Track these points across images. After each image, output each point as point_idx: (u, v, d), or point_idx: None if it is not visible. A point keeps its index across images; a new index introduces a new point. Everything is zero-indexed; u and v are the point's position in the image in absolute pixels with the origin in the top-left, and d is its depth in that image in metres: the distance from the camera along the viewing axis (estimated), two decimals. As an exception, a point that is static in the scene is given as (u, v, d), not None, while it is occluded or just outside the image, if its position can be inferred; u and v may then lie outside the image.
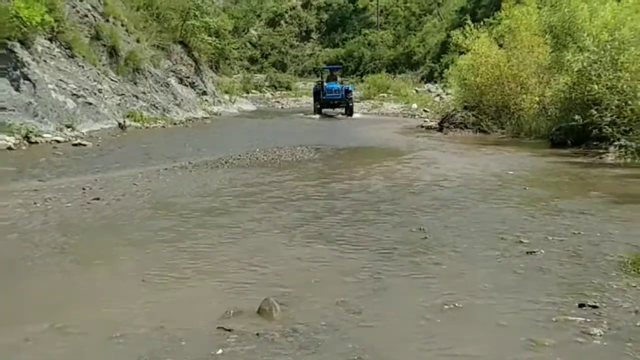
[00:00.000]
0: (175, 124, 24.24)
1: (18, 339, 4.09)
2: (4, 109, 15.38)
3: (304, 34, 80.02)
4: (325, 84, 33.73)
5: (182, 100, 28.67)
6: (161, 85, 27.22)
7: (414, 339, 4.23)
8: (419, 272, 5.69)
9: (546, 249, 6.31)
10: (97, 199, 8.81)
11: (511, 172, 11.97)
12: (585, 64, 15.87)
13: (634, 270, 5.56)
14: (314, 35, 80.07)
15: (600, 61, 15.55)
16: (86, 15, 22.89)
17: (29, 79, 16.85)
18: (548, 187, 10.53)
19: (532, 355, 3.95)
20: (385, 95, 43.49)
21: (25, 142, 14.91)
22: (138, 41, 27.14)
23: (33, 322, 4.36)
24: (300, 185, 10.46)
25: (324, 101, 33.01)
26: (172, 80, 29.32)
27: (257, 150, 15.26)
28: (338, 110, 33.10)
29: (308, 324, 4.40)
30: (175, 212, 8.18)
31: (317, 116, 32.38)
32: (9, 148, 14.05)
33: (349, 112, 32.36)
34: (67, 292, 5.10)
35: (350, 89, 33.81)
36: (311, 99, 37.98)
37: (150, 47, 28.09)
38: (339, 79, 35.66)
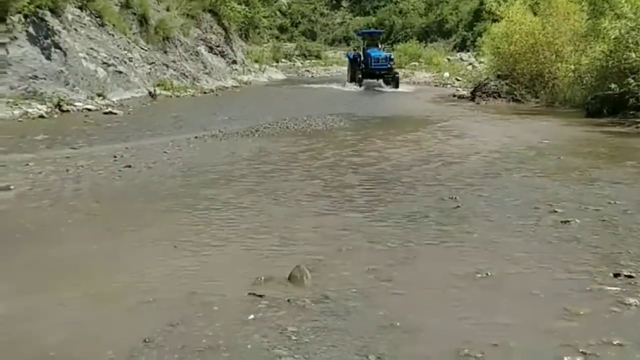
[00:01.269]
0: (205, 92, 24.27)
1: (52, 303, 4.12)
2: (35, 77, 15.49)
3: (334, 2, 79.48)
4: (368, 51, 30.27)
5: (211, 69, 28.67)
6: (191, 54, 27.22)
7: (445, 307, 4.20)
8: (450, 240, 5.63)
9: (581, 218, 6.21)
10: (129, 166, 8.86)
11: (546, 141, 11.81)
12: (622, 31, 15.55)
13: (671, 240, 5.45)
14: (345, 4, 79.47)
15: (638, 28, 15.18)
16: (117, -17, 22.90)
17: (59, 48, 16.93)
18: (583, 156, 10.35)
19: (566, 324, 3.89)
20: (416, 64, 43.08)
21: (57, 110, 15.02)
22: (168, 9, 27.12)
23: (66, 287, 4.40)
24: (330, 154, 10.42)
25: (368, 71, 29.34)
26: (202, 49, 29.29)
27: (287, 119, 15.22)
28: (376, 82, 29.50)
29: (339, 291, 4.38)
30: (205, 180, 8.19)
31: (357, 87, 29.01)
32: (41, 116, 14.17)
33: (395, 84, 28.98)
34: (99, 258, 5.13)
35: (392, 57, 30.91)
36: (342, 68, 37.60)
37: (180, 15, 28.05)
38: (380, 45, 32.54)
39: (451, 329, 3.87)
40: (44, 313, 4.00)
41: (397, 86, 28.84)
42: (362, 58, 30.12)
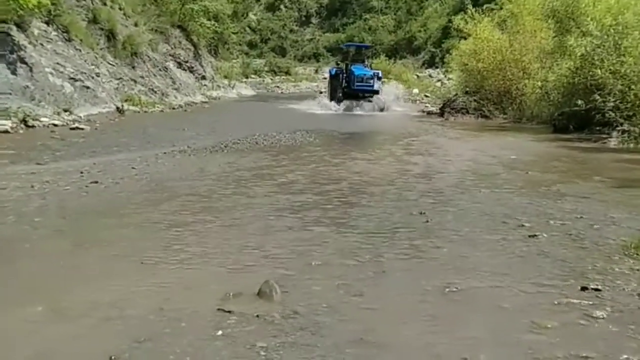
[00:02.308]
0: (173, 108, 24.15)
1: (15, 320, 4.04)
2: (1, 93, 15.28)
3: (303, 18, 79.83)
4: (352, 67, 26.43)
5: (180, 84, 28.55)
6: (159, 70, 27.08)
7: (415, 321, 4.19)
8: (420, 255, 5.64)
9: (548, 232, 6.27)
10: (96, 182, 8.75)
11: (513, 157, 11.93)
12: (588, 48, 15.83)
13: (637, 254, 5.52)
14: (314, 20, 79.88)
15: (604, 46, 15.50)
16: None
17: (25, 63, 16.72)
18: (550, 171, 10.48)
19: (535, 338, 3.90)
20: (385, 80, 43.31)
21: (22, 125, 14.82)
22: (136, 25, 26.98)
23: (31, 304, 4.30)
24: (300, 169, 10.40)
25: (350, 91, 25.71)
26: (171, 65, 29.17)
27: (257, 134, 15.19)
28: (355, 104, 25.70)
29: (308, 306, 4.34)
30: (173, 195, 8.12)
31: (337, 106, 25.62)
32: (6, 131, 13.95)
33: (382, 107, 25.59)
34: (65, 274, 5.04)
35: (380, 75, 27.19)
36: (312, 84, 37.22)
37: (148, 31, 27.91)
38: (366, 62, 28.31)
39: (421, 343, 3.86)
40: (8, 330, 3.91)
41: (382, 109, 25.43)
42: (344, 75, 26.49)
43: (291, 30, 78.69)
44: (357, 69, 26.03)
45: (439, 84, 36.27)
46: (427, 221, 6.78)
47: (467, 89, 23.38)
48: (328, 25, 77.76)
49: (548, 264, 5.35)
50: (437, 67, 46.55)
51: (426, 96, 31.79)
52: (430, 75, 43.71)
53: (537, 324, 4.10)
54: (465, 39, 24.68)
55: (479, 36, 22.74)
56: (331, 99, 26.68)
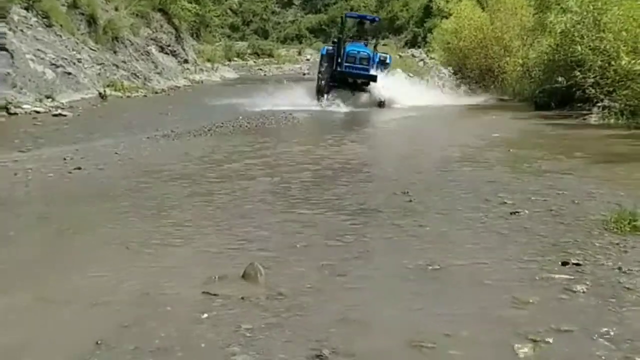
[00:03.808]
0: (156, 92, 24.02)
1: (1, 308, 4.05)
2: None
3: (285, 0, 79.26)
4: (347, 45, 19.74)
5: (163, 68, 28.39)
6: (141, 54, 26.91)
7: (398, 299, 4.25)
8: (403, 234, 5.69)
9: (530, 209, 6.34)
10: (79, 168, 8.73)
11: (495, 135, 12.00)
12: (568, 25, 15.86)
13: (617, 229, 5.59)
14: (296, 2, 79.34)
15: (583, 22, 15.52)
16: (64, -17, 22.49)
17: (6, 49, 16.56)
18: (532, 148, 10.56)
19: (516, 313, 3.97)
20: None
21: (4, 113, 14.71)
22: (117, 9, 26.75)
23: (16, 291, 4.33)
24: (283, 151, 10.42)
25: (338, 74, 19.13)
26: (153, 49, 28.97)
27: (240, 117, 15.17)
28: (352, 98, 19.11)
29: (293, 287, 4.39)
30: (157, 180, 8.12)
31: (318, 104, 18.83)
32: (-12, 119, 13.88)
33: (381, 100, 18.90)
34: (49, 261, 5.06)
35: (388, 60, 20.25)
36: (295, 66, 35.53)
37: (129, 15, 27.70)
38: (371, 40, 21.39)
39: (404, 320, 3.92)
40: (-7, 318, 3.93)
41: (382, 104, 18.91)
42: (337, 56, 19.53)
43: (273, 12, 78.18)
44: (352, 46, 19.48)
45: (421, 63, 36.18)
46: (410, 200, 6.83)
47: (450, 68, 23.41)
48: (310, 6, 77.32)
49: (529, 240, 5.42)
50: (419, 47, 46.43)
51: (409, 76, 31.74)
52: (413, 55, 43.53)
53: (518, 299, 4.16)
54: (446, 18, 24.68)
55: (460, 15, 22.75)
56: (318, 92, 19.45)
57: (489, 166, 8.85)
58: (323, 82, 19.26)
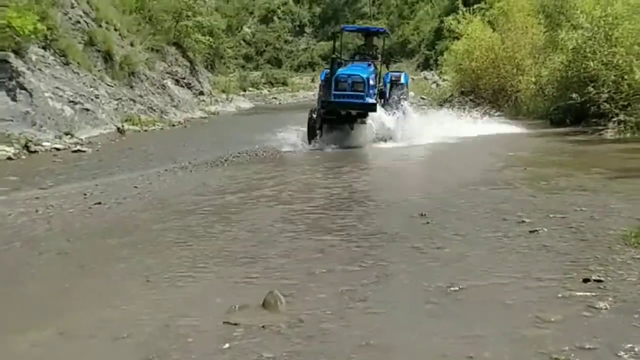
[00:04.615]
0: (173, 125, 24.24)
1: (24, 345, 4.08)
2: (2, 119, 15.38)
3: (297, 28, 79.81)
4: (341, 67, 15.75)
5: (179, 101, 28.66)
6: (157, 88, 27.20)
7: (420, 322, 4.24)
8: (422, 256, 5.68)
9: (549, 226, 6.31)
10: (99, 203, 8.81)
11: (511, 153, 11.97)
12: (579, 41, 15.88)
13: (638, 243, 5.55)
14: (308, 30, 79.89)
15: (595, 37, 15.54)
16: (79, 22, 22.85)
17: (25, 89, 16.82)
18: (548, 166, 10.52)
19: (539, 332, 3.94)
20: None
21: (24, 151, 14.90)
22: (132, 45, 27.11)
23: (38, 327, 4.36)
24: (299, 180, 10.47)
25: (326, 106, 14.86)
26: (168, 82, 29.29)
27: (257, 147, 15.24)
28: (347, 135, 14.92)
29: (313, 313, 4.39)
30: (176, 212, 8.18)
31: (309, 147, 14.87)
32: (9, 158, 14.04)
33: (388, 136, 15.15)
34: (71, 296, 5.10)
35: (403, 80, 16.32)
36: (309, 93, 34.82)
37: (145, 50, 28.06)
38: (380, 59, 16.77)
39: (426, 344, 3.90)
40: (17, 355, 3.96)
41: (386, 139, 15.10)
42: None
43: (286, 41, 78.71)
44: (344, 69, 15.47)
45: (434, 85, 36.27)
46: (428, 222, 6.83)
47: (463, 89, 23.49)
48: (322, 33, 77.71)
49: (549, 258, 5.39)
50: (431, 69, 46.54)
51: (422, 99, 31.80)
52: (425, 78, 43.71)
53: (540, 318, 4.13)
54: (457, 39, 24.76)
55: (471, 36, 22.82)
56: (310, 134, 15.20)
57: (505, 185, 8.82)
58: (314, 117, 15.06)
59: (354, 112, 14.64)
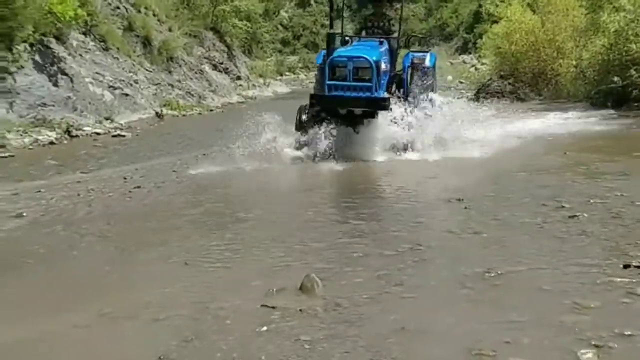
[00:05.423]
0: (211, 110, 24.36)
1: (66, 325, 4.17)
2: (44, 104, 15.61)
3: (334, 13, 79.51)
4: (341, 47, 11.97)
5: (216, 86, 28.79)
6: (195, 73, 27.34)
7: (456, 307, 4.23)
8: (459, 241, 5.67)
9: (589, 212, 6.24)
10: (138, 187, 8.92)
11: (550, 138, 11.81)
12: (622, 23, 15.56)
13: (680, 229, 5.46)
14: (345, 14, 79.46)
15: (638, 20, 15.20)
16: (118, 7, 23.05)
17: (66, 74, 17.06)
18: (589, 150, 10.35)
19: (578, 318, 3.91)
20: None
21: (66, 136, 15.12)
22: (170, 30, 27.27)
23: (80, 309, 4.45)
24: (337, 162, 10.43)
25: (319, 102, 10.98)
26: (206, 67, 29.42)
27: (293, 131, 15.24)
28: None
29: (350, 297, 4.41)
30: (214, 196, 8.25)
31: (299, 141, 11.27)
32: (51, 143, 14.26)
33: (404, 145, 10.75)
34: (111, 278, 5.19)
35: (429, 62, 12.03)
36: None
37: (183, 35, 28.19)
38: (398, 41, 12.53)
39: (463, 328, 3.90)
40: (58, 335, 4.05)
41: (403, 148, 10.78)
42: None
43: (322, 25, 78.53)
44: (346, 49, 11.82)
45: (473, 69, 35.82)
46: (466, 207, 6.80)
47: (502, 73, 23.12)
48: (359, 17, 77.55)
49: (589, 244, 5.34)
50: (470, 53, 46.01)
51: (460, 82, 31.46)
52: (464, 62, 43.18)
53: (579, 304, 4.10)
54: (497, 22, 24.42)
55: (511, 18, 22.48)
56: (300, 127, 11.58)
57: (544, 170, 8.72)
58: (302, 116, 11.42)
59: (357, 111, 10.56)
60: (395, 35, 12.52)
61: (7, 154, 12.25)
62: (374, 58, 10.65)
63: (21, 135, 13.89)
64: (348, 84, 10.52)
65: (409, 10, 68.43)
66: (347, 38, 13.05)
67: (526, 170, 8.81)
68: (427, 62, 11.99)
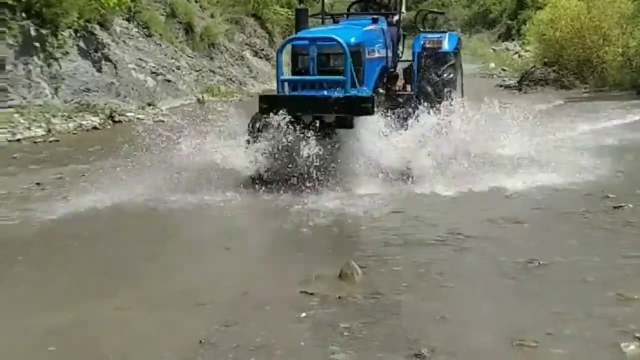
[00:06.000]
0: (251, 96, 24.42)
1: (109, 310, 4.22)
2: (88, 90, 15.83)
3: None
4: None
5: (257, 72, 28.87)
6: (236, 59, 27.45)
7: (497, 297, 4.21)
8: (500, 230, 5.62)
9: (634, 202, 6.12)
10: (178, 173, 8.95)
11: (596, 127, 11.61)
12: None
13: None
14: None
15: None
16: (161, -6, 23.27)
17: (110, 60, 17.28)
18: (635, 140, 10.13)
19: (621, 310, 3.85)
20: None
21: (109, 121, 15.32)
22: (212, 16, 27.40)
23: (122, 293, 4.51)
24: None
25: (273, 106, 7.39)
26: (247, 54, 29.51)
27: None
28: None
29: (390, 286, 4.41)
30: (255, 181, 8.24)
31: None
32: (95, 128, 14.46)
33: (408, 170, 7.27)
34: (155, 263, 5.24)
35: (448, 47, 8.85)
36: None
37: (224, 21, 28.29)
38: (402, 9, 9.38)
39: (504, 319, 3.88)
40: (102, 319, 4.11)
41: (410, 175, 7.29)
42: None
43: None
44: (317, 29, 9.03)
45: (516, 56, 35.27)
46: (507, 196, 6.72)
47: (545, 60, 22.72)
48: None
49: (634, 235, 5.26)
50: (513, 40, 45.32)
51: (503, 70, 31.02)
52: (507, 49, 42.51)
53: (623, 295, 4.05)
54: (541, 8, 24.03)
55: (556, 4, 22.08)
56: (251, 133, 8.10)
57: (590, 159, 8.54)
58: (258, 123, 8.07)
59: (328, 119, 7.33)
60: (397, 12, 9.34)
61: (52, 139, 12.44)
62: (353, 40, 7.58)
63: (65, 120, 14.10)
64: (311, 79, 7.54)
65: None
66: (330, 16, 10.12)
67: (570, 155, 8.52)
68: (445, 46, 8.91)
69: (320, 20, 9.92)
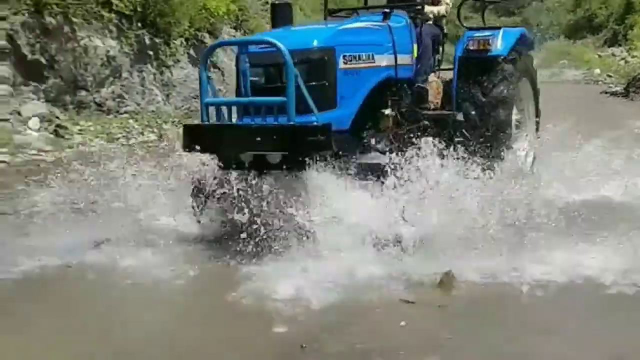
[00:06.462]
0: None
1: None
2: (197, 97, 16.39)
3: (477, 4, 77.80)
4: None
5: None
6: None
7: (603, 312, 4.19)
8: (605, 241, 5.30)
9: None
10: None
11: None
12: None
13: None
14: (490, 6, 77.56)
15: None
16: (267, 2, 23.75)
17: (218, 67, 17.88)
18: None
19: None
20: (565, 62, 41.47)
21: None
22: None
23: (203, 296, 4.77)
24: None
25: (203, 137, 5.49)
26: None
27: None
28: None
29: (490, 296, 4.44)
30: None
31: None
32: (202, 133, 15.07)
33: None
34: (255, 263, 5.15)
35: (502, 49, 6.59)
36: None
37: (326, 28, 28.60)
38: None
39: (609, 334, 3.85)
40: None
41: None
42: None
43: (466, 17, 77.09)
44: (279, 31, 6.43)
45: (622, 62, 34.02)
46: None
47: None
48: (502, 9, 75.34)
49: None
50: (619, 45, 43.72)
51: (609, 76, 30.00)
52: (612, 54, 41.06)
53: None
54: (651, 13, 23.24)
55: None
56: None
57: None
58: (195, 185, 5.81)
59: (272, 158, 5.24)
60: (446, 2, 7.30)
61: (164, 144, 12.99)
62: (315, 44, 5.62)
63: (176, 126, 14.73)
64: (240, 101, 5.92)
65: (555, 1, 66.07)
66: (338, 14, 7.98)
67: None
68: (497, 47, 6.72)
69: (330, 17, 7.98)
